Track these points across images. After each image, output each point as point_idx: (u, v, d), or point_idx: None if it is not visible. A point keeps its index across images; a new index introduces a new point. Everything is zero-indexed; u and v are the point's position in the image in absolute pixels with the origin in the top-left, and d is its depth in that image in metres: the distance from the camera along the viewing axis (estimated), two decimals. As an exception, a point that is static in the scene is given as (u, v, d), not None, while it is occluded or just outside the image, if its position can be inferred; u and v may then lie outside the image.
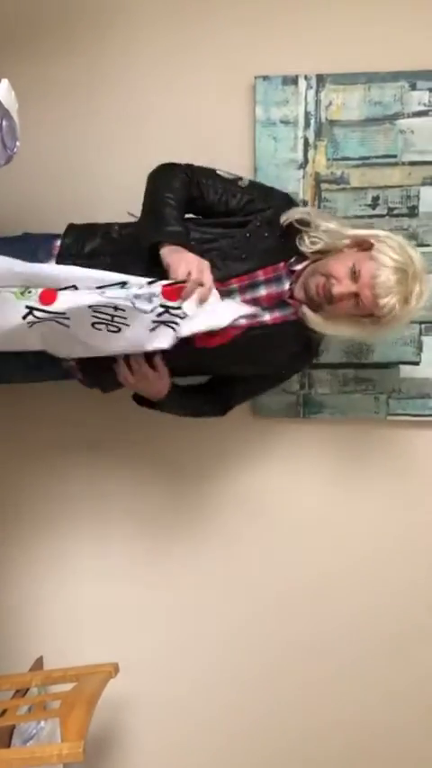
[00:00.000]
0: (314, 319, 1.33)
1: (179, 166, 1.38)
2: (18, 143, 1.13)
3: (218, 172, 1.38)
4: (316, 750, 1.90)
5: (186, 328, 1.21)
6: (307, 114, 1.65)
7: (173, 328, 1.21)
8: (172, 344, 1.23)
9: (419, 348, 1.70)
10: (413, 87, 1.62)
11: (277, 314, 1.36)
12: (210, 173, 1.38)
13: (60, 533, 1.90)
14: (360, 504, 1.81)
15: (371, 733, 1.88)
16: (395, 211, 1.66)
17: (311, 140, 1.66)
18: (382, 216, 1.67)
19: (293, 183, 1.67)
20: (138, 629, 1.90)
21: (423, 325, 1.70)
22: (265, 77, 1.65)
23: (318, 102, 1.65)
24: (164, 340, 1.23)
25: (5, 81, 1.09)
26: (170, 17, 1.69)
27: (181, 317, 1.20)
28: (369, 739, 1.88)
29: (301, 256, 1.36)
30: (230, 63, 1.68)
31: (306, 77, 1.64)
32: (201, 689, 1.92)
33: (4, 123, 1.08)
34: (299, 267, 1.35)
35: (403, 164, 1.65)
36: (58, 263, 1.35)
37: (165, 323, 1.21)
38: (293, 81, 1.64)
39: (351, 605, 1.84)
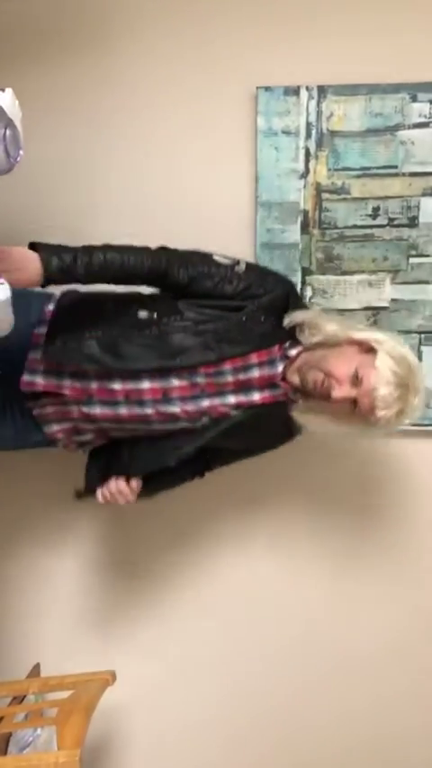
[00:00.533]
0: (304, 411, 1.35)
1: (170, 253, 1.36)
2: (21, 152, 1.13)
3: (214, 257, 1.36)
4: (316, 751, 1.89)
5: None
6: (308, 125, 1.66)
7: None
8: None
9: (419, 358, 1.70)
10: (414, 99, 1.63)
11: (267, 394, 1.35)
12: (206, 259, 1.35)
13: (59, 540, 1.90)
14: (361, 512, 1.81)
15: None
16: (395, 222, 1.67)
17: (313, 150, 1.67)
18: (382, 226, 1.67)
19: (294, 192, 1.68)
20: (135, 637, 1.90)
21: (423, 335, 1.70)
22: (267, 88, 1.66)
23: (319, 113, 1.66)
24: None
25: (9, 90, 1.10)
26: (172, 28, 1.71)
27: None
28: None
29: (297, 341, 1.35)
30: (232, 73, 1.69)
31: (308, 88, 1.65)
32: (198, 697, 1.91)
33: (7, 132, 1.09)
34: (294, 352, 1.35)
35: (404, 174, 1.66)
36: (48, 330, 1.36)
37: None
38: (295, 92, 1.65)
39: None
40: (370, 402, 1.26)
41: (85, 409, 1.37)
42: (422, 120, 1.64)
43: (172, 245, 1.35)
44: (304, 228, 1.69)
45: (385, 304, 1.70)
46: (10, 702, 1.64)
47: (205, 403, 1.34)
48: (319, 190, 1.68)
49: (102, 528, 1.89)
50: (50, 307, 1.40)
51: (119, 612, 1.90)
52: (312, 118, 1.66)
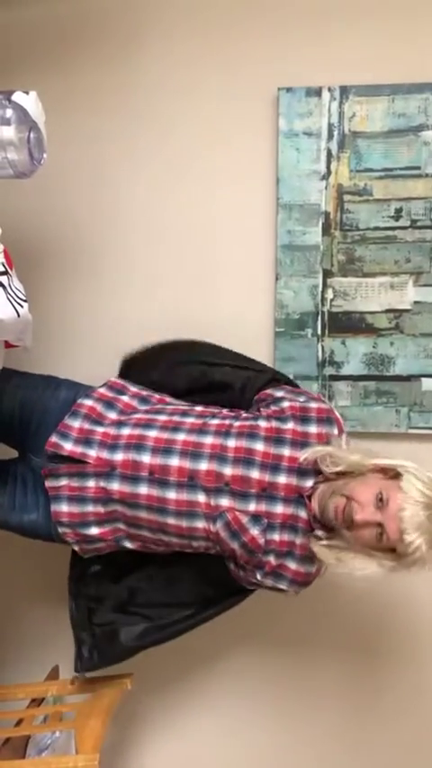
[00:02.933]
0: (323, 553, 1.23)
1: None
2: (45, 154, 1.14)
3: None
4: None
5: None
6: (330, 126, 1.65)
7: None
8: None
9: (442, 361, 1.68)
10: (438, 99, 1.62)
11: (290, 510, 1.28)
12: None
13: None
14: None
15: None
16: (418, 223, 1.65)
17: (334, 152, 1.66)
18: (405, 228, 1.66)
19: (315, 194, 1.67)
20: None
21: (446, 338, 1.68)
22: (289, 89, 1.65)
23: (341, 114, 1.64)
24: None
25: (33, 93, 1.10)
26: (194, 30, 1.70)
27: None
28: None
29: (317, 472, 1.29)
30: (254, 75, 1.69)
31: (330, 89, 1.64)
32: (216, 702, 1.90)
33: (31, 135, 1.09)
34: (309, 484, 1.28)
35: (427, 175, 1.64)
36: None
37: None
38: (317, 93, 1.64)
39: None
40: (396, 525, 1.16)
41: (102, 483, 1.33)
42: (446, 120, 1.62)
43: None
44: (326, 230, 1.68)
45: (407, 306, 1.68)
46: (29, 705, 1.64)
47: (224, 502, 1.28)
48: (340, 191, 1.66)
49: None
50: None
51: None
52: (334, 119, 1.65)
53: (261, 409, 1.39)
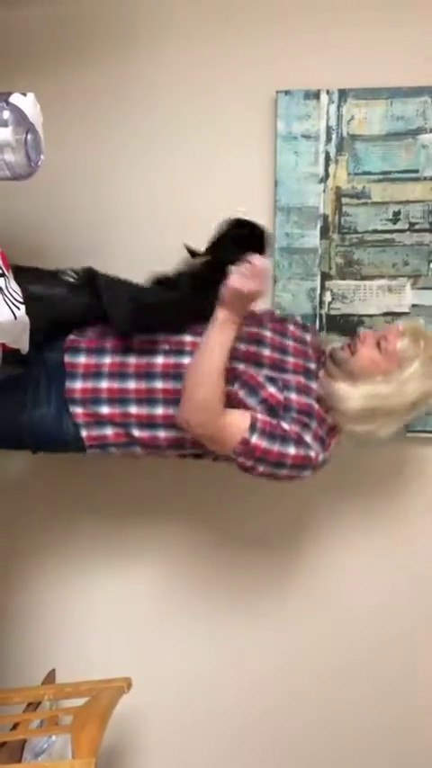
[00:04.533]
0: (330, 383, 1.36)
1: None
2: (42, 156, 1.13)
3: None
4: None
5: None
6: (328, 129, 1.65)
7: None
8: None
9: (440, 364, 1.68)
10: (436, 102, 1.62)
11: (302, 380, 1.37)
12: None
13: (76, 545, 1.89)
14: (377, 521, 1.78)
15: None
16: (416, 226, 1.65)
17: (333, 155, 1.66)
18: (403, 231, 1.65)
19: (314, 197, 1.67)
20: (152, 643, 1.89)
21: (444, 341, 1.68)
22: (287, 92, 1.65)
23: (339, 117, 1.64)
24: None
25: (31, 95, 1.10)
26: (191, 32, 1.70)
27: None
28: None
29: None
30: (252, 77, 1.69)
31: (328, 92, 1.64)
32: (215, 706, 1.89)
33: (29, 136, 1.08)
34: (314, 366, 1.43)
35: (425, 179, 1.64)
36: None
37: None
38: (315, 95, 1.64)
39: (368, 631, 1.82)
40: (394, 334, 1.34)
41: (118, 359, 1.38)
42: (444, 123, 1.62)
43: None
44: (324, 233, 1.68)
45: (405, 309, 1.68)
46: (25, 709, 1.63)
47: (240, 366, 1.34)
48: (338, 194, 1.66)
49: (115, 533, 1.88)
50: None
51: (136, 618, 1.89)
52: (333, 122, 1.65)
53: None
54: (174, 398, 1.32)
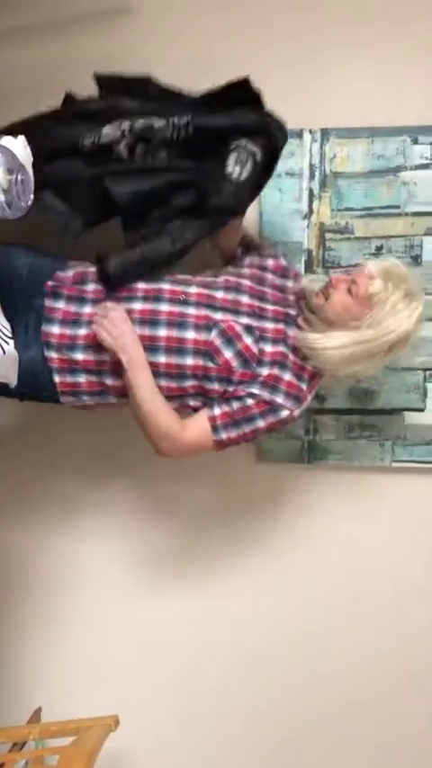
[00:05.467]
0: (307, 333, 1.38)
1: None
2: (32, 196, 1.16)
3: None
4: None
5: None
6: (312, 166, 1.69)
7: None
8: None
9: (424, 395, 1.70)
10: (415, 141, 1.67)
11: (281, 326, 1.40)
12: None
13: (59, 584, 1.88)
14: (364, 551, 1.79)
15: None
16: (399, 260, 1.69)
17: (316, 191, 1.70)
18: (385, 265, 1.69)
19: (298, 232, 1.70)
20: (138, 681, 1.86)
21: (427, 372, 1.70)
22: (271, 131, 1.69)
23: (322, 155, 1.69)
24: None
25: (21, 137, 1.13)
26: (173, 70, 1.73)
27: None
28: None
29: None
30: (237, 117, 1.73)
31: (311, 131, 1.69)
32: (203, 744, 1.86)
33: (19, 177, 1.11)
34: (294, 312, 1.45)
35: (406, 214, 1.68)
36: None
37: None
38: (298, 134, 1.68)
39: (355, 651, 1.80)
40: (364, 278, 1.34)
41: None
42: (423, 161, 1.67)
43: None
44: (308, 267, 1.71)
45: (390, 341, 1.71)
46: (10, 749, 1.60)
47: (218, 315, 1.37)
48: (322, 230, 1.70)
49: (103, 573, 1.87)
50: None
51: (122, 655, 1.87)
52: (316, 160, 1.69)
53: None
54: (149, 345, 1.35)
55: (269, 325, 1.39)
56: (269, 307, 1.42)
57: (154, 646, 1.86)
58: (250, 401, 1.34)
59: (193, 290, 1.40)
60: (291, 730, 1.84)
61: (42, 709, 1.79)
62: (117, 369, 1.36)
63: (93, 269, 1.44)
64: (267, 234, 1.71)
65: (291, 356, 1.38)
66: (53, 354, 1.38)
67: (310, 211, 1.70)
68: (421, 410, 1.71)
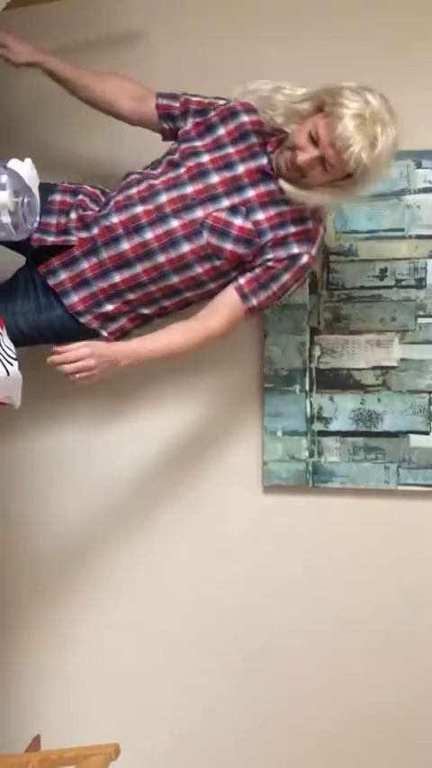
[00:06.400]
0: (292, 190, 1.35)
1: None
2: (38, 218, 1.16)
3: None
4: None
5: None
6: (316, 190, 1.71)
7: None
8: None
9: (429, 417, 1.69)
10: (419, 165, 1.68)
11: (262, 189, 1.38)
12: None
13: (59, 610, 1.86)
14: (369, 574, 1.76)
15: None
16: (403, 283, 1.69)
17: (320, 214, 1.71)
18: (390, 287, 1.70)
19: (303, 254, 1.71)
20: (139, 708, 1.83)
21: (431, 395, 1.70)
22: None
23: (326, 179, 1.70)
24: None
25: (28, 160, 1.13)
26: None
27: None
28: None
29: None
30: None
31: (315, 155, 1.70)
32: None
33: (25, 200, 1.12)
34: (265, 161, 1.40)
35: (410, 237, 1.69)
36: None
37: None
38: (303, 158, 1.70)
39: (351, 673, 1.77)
40: (333, 149, 1.26)
41: (93, 258, 1.41)
42: (427, 185, 1.68)
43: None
44: (312, 289, 1.72)
45: (394, 363, 1.71)
46: (8, 778, 1.56)
47: (199, 213, 1.36)
48: (326, 252, 1.71)
49: (103, 598, 1.85)
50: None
51: (123, 682, 1.84)
52: (320, 183, 1.70)
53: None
54: (156, 274, 1.39)
55: (251, 193, 1.38)
56: (241, 169, 1.39)
57: (155, 673, 1.83)
58: (270, 263, 1.38)
59: (163, 198, 1.38)
60: (295, 751, 1.80)
61: (42, 737, 1.75)
62: (144, 300, 1.43)
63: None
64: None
65: (284, 208, 1.38)
66: (88, 318, 1.44)
67: (315, 234, 1.71)
68: (426, 433, 1.70)
